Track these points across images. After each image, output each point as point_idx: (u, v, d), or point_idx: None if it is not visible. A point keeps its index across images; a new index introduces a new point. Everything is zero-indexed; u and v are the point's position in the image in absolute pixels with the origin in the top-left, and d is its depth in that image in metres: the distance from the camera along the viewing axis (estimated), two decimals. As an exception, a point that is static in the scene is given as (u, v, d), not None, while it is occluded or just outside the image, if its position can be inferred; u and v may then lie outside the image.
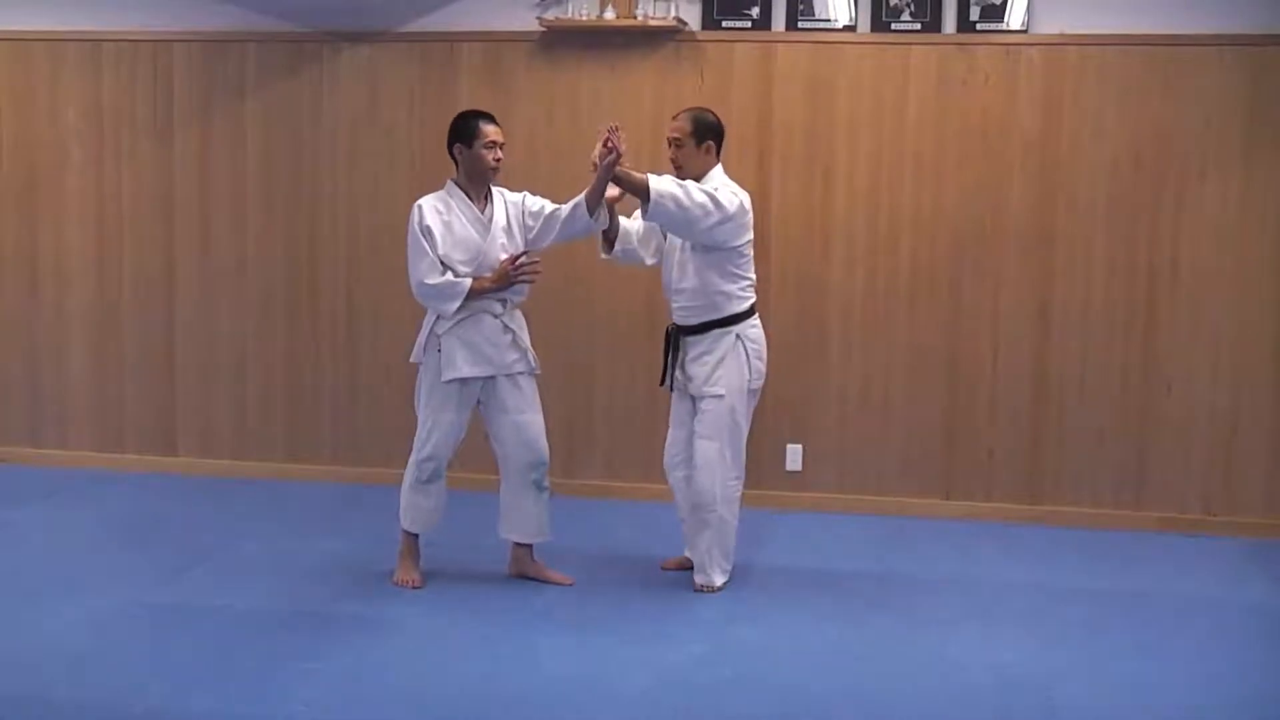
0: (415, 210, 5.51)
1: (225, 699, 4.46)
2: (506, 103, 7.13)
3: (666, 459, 5.90)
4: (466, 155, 5.53)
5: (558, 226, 5.57)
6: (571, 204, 5.52)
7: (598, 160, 5.32)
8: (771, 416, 7.06)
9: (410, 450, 5.67)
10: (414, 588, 5.62)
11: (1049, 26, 6.72)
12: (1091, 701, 4.60)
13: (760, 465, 7.09)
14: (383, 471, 7.11)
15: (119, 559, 6.04)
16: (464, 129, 5.55)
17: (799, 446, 7.08)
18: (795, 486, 7.10)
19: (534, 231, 5.60)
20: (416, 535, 5.71)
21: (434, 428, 5.59)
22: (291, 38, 7.33)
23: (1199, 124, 6.65)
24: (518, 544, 5.79)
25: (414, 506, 5.67)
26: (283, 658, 4.84)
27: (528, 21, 7.02)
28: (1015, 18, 6.72)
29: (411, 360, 5.69)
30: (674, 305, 5.72)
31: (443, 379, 5.53)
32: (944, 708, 4.53)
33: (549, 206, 5.61)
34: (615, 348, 7.16)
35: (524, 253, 5.54)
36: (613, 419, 7.21)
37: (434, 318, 5.58)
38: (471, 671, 4.74)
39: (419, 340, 5.64)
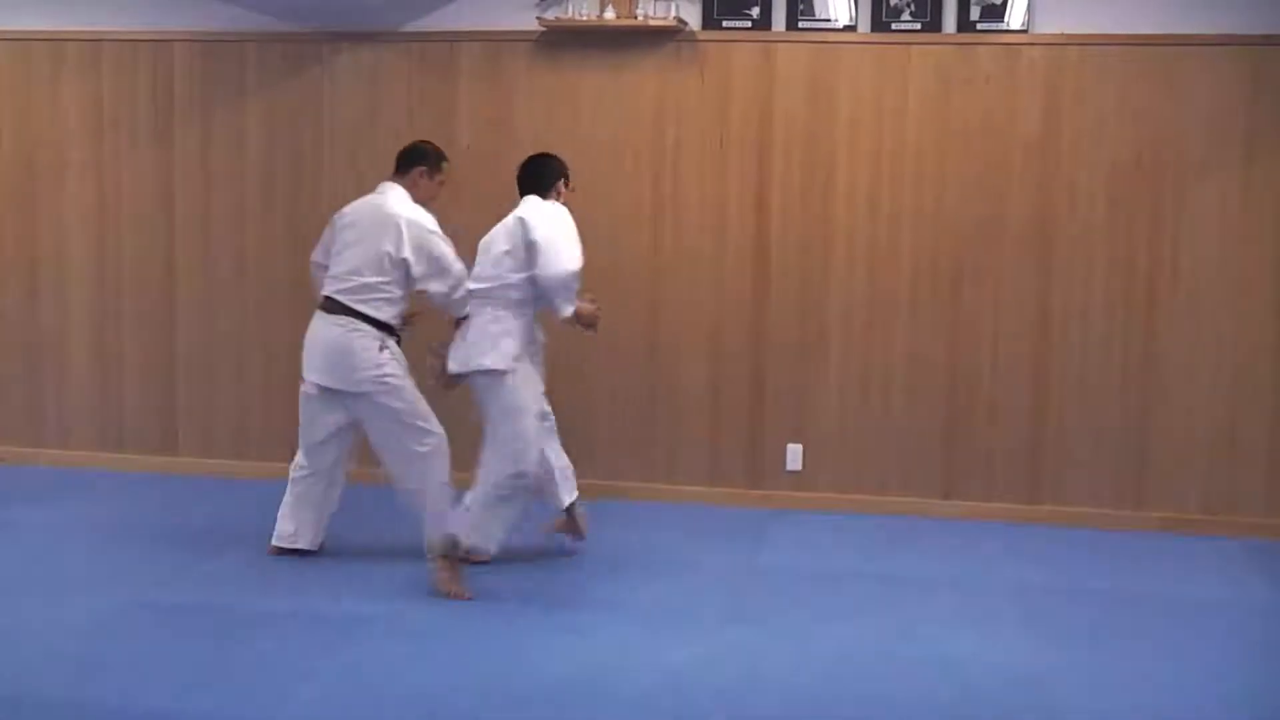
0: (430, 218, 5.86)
1: (226, 699, 4.46)
2: (506, 103, 7.14)
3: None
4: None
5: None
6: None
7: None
8: (772, 416, 7.08)
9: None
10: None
11: (1049, 26, 6.72)
12: (1092, 701, 4.60)
13: (761, 464, 7.11)
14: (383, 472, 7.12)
15: (120, 559, 6.05)
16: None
17: (799, 446, 7.08)
18: (795, 486, 7.10)
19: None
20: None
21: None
22: (291, 38, 7.33)
23: (1199, 124, 6.65)
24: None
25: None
26: (284, 657, 4.84)
27: (527, 21, 7.02)
28: (1016, 18, 6.72)
29: (492, 367, 5.63)
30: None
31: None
32: (944, 708, 4.52)
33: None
34: (616, 351, 7.15)
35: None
36: (614, 420, 7.22)
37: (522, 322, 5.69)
38: (471, 672, 4.74)
39: (504, 346, 5.63)
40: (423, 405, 5.85)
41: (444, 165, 6.04)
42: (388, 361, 5.79)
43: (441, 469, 5.83)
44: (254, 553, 6.11)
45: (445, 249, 5.80)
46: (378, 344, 5.77)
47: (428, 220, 5.84)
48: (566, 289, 5.57)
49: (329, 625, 5.19)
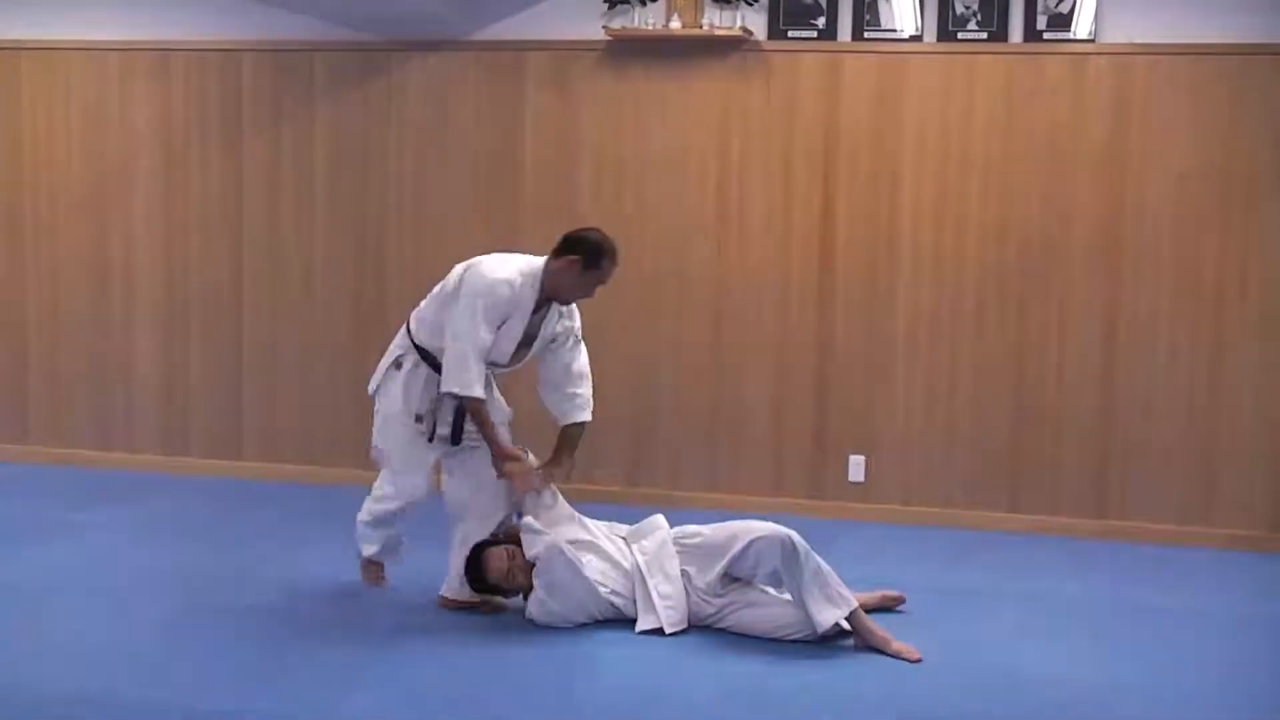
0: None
1: (284, 702, 4.49)
2: (572, 112, 7.17)
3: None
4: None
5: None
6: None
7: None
8: (835, 427, 7.05)
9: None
10: None
11: (1117, 36, 6.67)
12: (1151, 718, 4.55)
13: (823, 476, 7.09)
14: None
15: (184, 561, 6.10)
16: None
17: (862, 457, 7.05)
18: (858, 497, 7.06)
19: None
20: None
21: None
22: (359, 47, 7.39)
23: (1270, 135, 6.57)
24: None
25: None
26: (342, 664, 4.86)
27: (594, 31, 7.05)
28: (1083, 26, 6.67)
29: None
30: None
31: None
32: (1011, 720, 4.50)
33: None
34: (679, 359, 7.17)
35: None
36: (677, 429, 7.22)
37: None
38: (532, 681, 4.75)
39: None
40: (396, 459, 5.57)
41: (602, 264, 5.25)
42: (385, 380, 5.61)
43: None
44: (315, 558, 6.15)
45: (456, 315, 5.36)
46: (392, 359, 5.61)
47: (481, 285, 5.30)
48: None
49: (390, 632, 5.21)
